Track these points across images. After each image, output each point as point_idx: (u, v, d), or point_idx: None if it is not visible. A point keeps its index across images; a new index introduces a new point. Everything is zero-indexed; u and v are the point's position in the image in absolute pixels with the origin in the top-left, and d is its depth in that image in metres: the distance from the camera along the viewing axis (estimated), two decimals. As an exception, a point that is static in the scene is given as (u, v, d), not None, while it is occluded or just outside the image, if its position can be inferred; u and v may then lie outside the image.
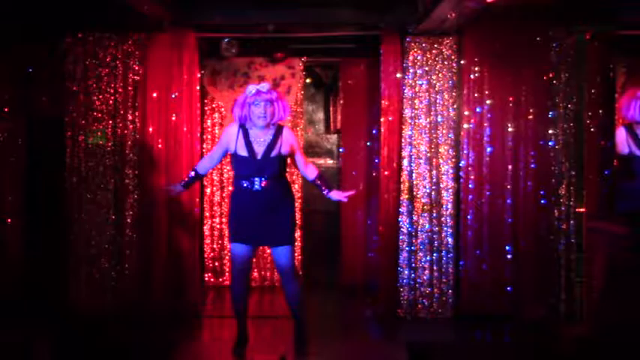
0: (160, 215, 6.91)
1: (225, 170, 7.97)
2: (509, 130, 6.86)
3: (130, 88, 6.95)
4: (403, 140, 6.89)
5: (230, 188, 8.04)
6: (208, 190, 8.06)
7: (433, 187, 6.89)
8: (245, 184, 5.64)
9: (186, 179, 6.06)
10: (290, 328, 5.90)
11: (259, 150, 5.63)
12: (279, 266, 5.75)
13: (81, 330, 6.41)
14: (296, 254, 7.11)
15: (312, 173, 5.84)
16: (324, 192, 5.82)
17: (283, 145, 5.66)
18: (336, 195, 5.82)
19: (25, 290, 6.96)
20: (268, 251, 7.56)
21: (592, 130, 6.27)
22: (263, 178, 5.60)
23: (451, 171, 6.90)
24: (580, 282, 6.47)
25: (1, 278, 6.87)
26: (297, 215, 7.66)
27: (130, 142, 6.95)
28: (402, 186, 6.90)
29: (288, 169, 6.02)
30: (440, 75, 6.89)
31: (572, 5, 6.40)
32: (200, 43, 7.08)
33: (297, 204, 5.67)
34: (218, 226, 8.06)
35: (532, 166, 6.86)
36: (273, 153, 5.63)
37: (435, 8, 6.02)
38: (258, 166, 5.60)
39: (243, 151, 5.63)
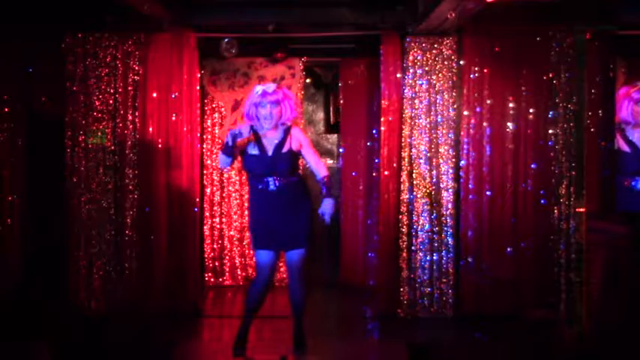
0: (160, 215, 6.92)
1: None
2: (509, 130, 6.87)
3: (130, 88, 6.95)
4: (403, 140, 6.89)
5: (230, 188, 8.09)
6: (208, 190, 8.06)
7: (433, 187, 6.89)
8: (260, 186, 5.64)
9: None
10: (290, 328, 5.89)
11: (270, 147, 5.64)
12: (289, 267, 5.76)
13: (81, 330, 6.41)
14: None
15: (322, 172, 5.73)
16: (322, 192, 5.74)
17: (293, 142, 5.66)
18: (325, 205, 5.68)
19: (25, 290, 6.96)
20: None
21: (592, 130, 6.27)
22: (276, 177, 5.61)
23: (451, 171, 6.90)
24: (580, 282, 6.47)
25: (1, 278, 6.87)
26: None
27: (130, 142, 6.94)
28: (402, 186, 6.90)
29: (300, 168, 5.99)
30: (440, 75, 6.88)
31: (572, 5, 6.40)
32: (200, 43, 7.08)
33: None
34: (218, 226, 8.07)
35: (532, 166, 6.86)
36: (284, 149, 5.63)
37: (435, 8, 6.02)
38: (270, 163, 5.60)
39: (254, 150, 5.65)
